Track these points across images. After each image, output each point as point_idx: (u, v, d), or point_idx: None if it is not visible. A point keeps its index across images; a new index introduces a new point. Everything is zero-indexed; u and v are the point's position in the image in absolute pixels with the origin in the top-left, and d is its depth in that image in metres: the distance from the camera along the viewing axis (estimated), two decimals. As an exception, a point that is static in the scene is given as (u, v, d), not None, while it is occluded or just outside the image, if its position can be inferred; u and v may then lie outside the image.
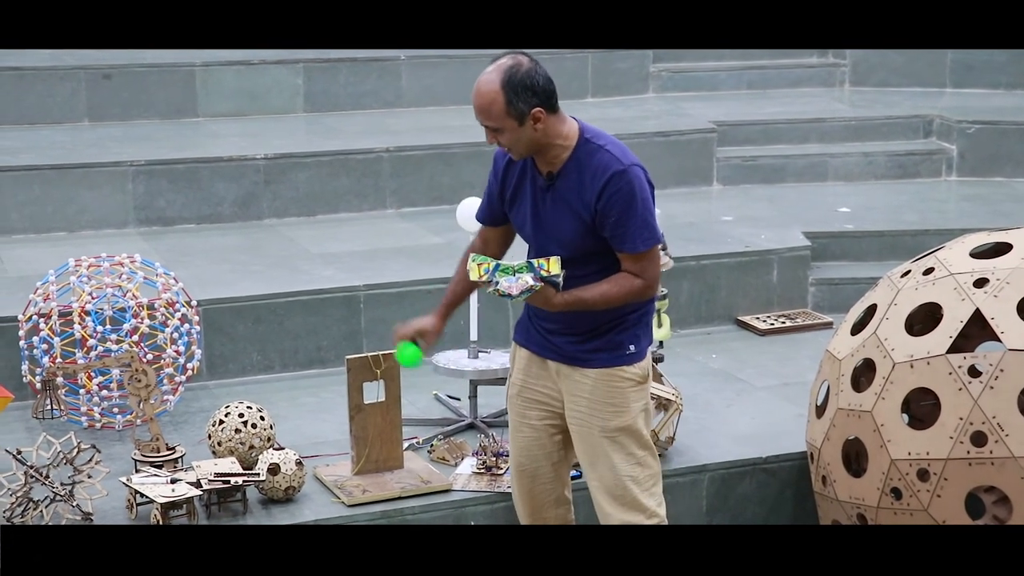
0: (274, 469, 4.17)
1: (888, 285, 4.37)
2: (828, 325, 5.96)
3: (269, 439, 4.43)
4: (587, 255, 3.58)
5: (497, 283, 3.48)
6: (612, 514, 3.77)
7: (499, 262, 3.53)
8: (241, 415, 4.39)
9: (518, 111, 3.45)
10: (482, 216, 3.82)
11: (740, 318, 6.08)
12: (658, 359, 4.89)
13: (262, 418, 4.43)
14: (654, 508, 3.77)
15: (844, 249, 6.47)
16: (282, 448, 4.24)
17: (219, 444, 4.37)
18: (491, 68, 3.50)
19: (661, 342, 5.07)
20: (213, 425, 4.41)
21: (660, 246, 3.64)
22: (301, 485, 4.24)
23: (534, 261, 3.52)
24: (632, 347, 3.69)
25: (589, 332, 3.66)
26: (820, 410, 4.41)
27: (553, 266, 3.50)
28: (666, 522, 3.82)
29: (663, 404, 4.55)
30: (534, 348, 3.78)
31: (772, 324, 6.02)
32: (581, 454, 3.80)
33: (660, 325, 5.05)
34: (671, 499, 4.46)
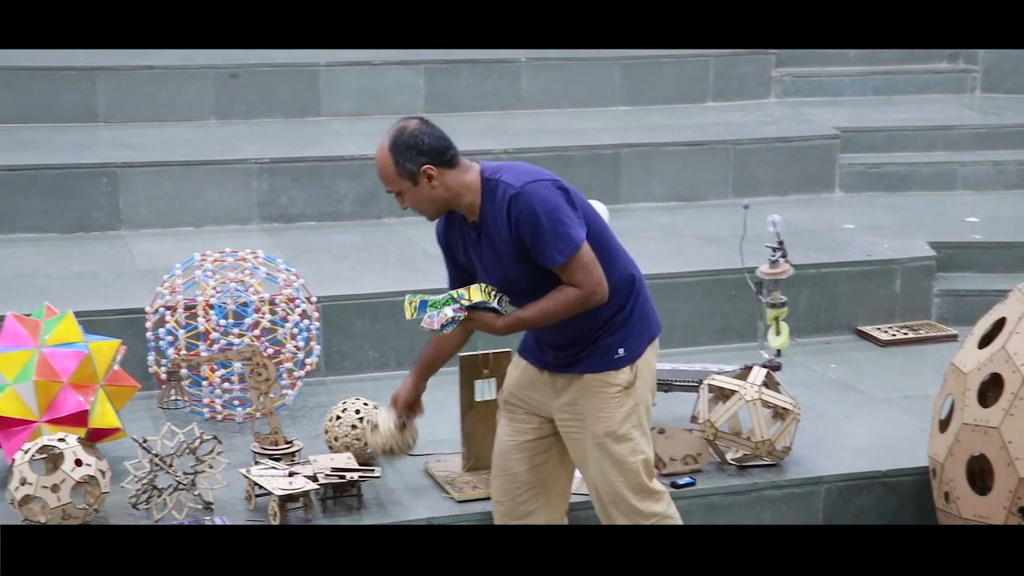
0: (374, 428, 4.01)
1: (1018, 298, 4.24)
2: (953, 338, 5.81)
3: (385, 436, 4.47)
4: (544, 283, 3.58)
5: (413, 320, 3.58)
6: (614, 516, 3.78)
7: (426, 299, 3.60)
8: (357, 411, 4.44)
9: (407, 171, 3.54)
10: (452, 285, 3.83)
11: (860, 328, 5.96)
12: (775, 367, 4.83)
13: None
14: (651, 509, 3.74)
15: (971, 260, 6.31)
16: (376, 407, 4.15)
17: (335, 439, 4.43)
18: (385, 136, 3.61)
19: (779, 350, 5.01)
20: (330, 420, 4.47)
21: (583, 251, 3.53)
22: (409, 445, 4.04)
23: (455, 292, 3.59)
24: (621, 350, 3.67)
25: (576, 340, 3.68)
26: (944, 424, 4.31)
27: (474, 294, 3.58)
28: (671, 517, 3.78)
29: (780, 413, 4.49)
30: (530, 358, 3.84)
31: (894, 335, 5.89)
32: (574, 460, 3.83)
33: (779, 333, 4.99)
34: (787, 510, 4.42)
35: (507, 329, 3.64)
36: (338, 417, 4.44)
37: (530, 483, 3.88)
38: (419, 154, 3.54)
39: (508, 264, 3.59)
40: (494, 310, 3.61)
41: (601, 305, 3.60)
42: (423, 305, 3.59)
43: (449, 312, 3.56)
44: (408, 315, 3.62)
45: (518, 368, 3.89)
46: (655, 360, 3.78)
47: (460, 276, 3.79)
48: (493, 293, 3.61)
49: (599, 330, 3.66)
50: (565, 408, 3.76)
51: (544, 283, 3.59)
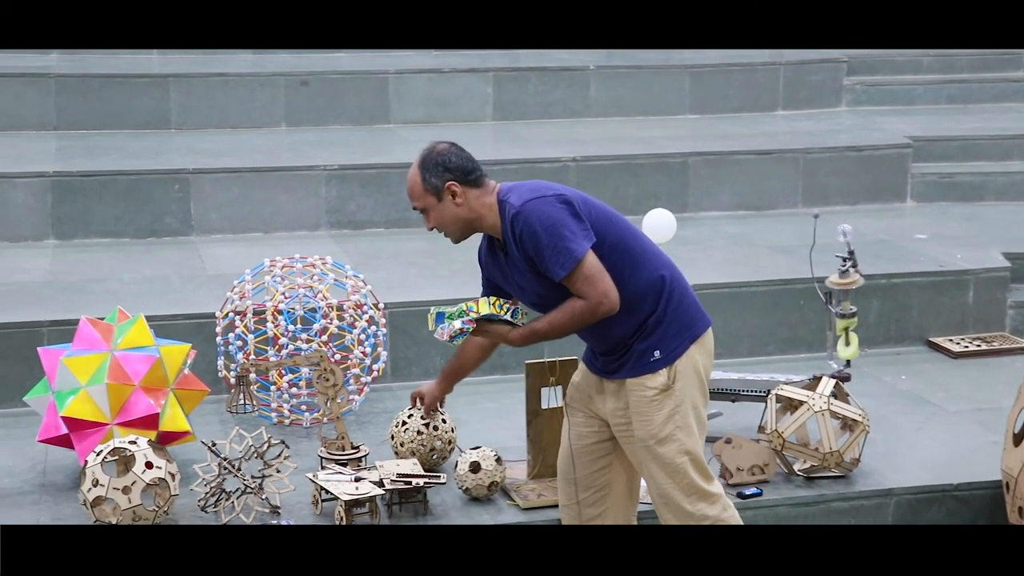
0: (475, 467, 4.23)
1: (1096, 310, 4.17)
2: (1027, 350, 5.72)
3: (450, 442, 4.49)
4: (570, 296, 3.61)
5: (433, 331, 3.64)
6: (667, 519, 3.78)
7: (442, 311, 3.65)
8: (423, 417, 4.46)
9: (432, 186, 3.65)
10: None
11: (932, 339, 5.88)
12: (845, 378, 4.78)
13: (444, 421, 4.49)
14: (703, 512, 3.72)
15: (1047, 271, 6.21)
16: (477, 447, 4.31)
17: (401, 445, 4.45)
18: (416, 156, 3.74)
19: (848, 361, 4.95)
20: (396, 426, 4.49)
21: (585, 263, 3.53)
22: (503, 480, 4.30)
23: (465, 304, 3.64)
24: (657, 352, 3.67)
25: (614, 347, 3.71)
26: (1018, 438, 4.23)
27: (482, 307, 3.64)
28: (725, 522, 3.74)
29: (849, 424, 4.44)
30: (588, 364, 3.89)
31: (966, 347, 5.80)
32: (633, 464, 3.85)
33: (848, 344, 4.93)
34: (855, 522, 4.36)
35: (521, 341, 3.71)
36: (404, 423, 4.46)
37: (593, 487, 3.89)
38: (445, 171, 3.64)
39: (532, 281, 3.65)
40: (507, 322, 3.66)
41: (629, 312, 3.62)
42: (439, 317, 3.66)
43: (458, 324, 3.62)
44: (430, 326, 3.69)
45: (579, 373, 3.95)
46: (703, 358, 3.75)
47: (492, 293, 3.85)
48: (504, 306, 3.67)
49: (632, 336, 3.68)
50: (616, 413, 3.79)
51: (570, 296, 3.62)
